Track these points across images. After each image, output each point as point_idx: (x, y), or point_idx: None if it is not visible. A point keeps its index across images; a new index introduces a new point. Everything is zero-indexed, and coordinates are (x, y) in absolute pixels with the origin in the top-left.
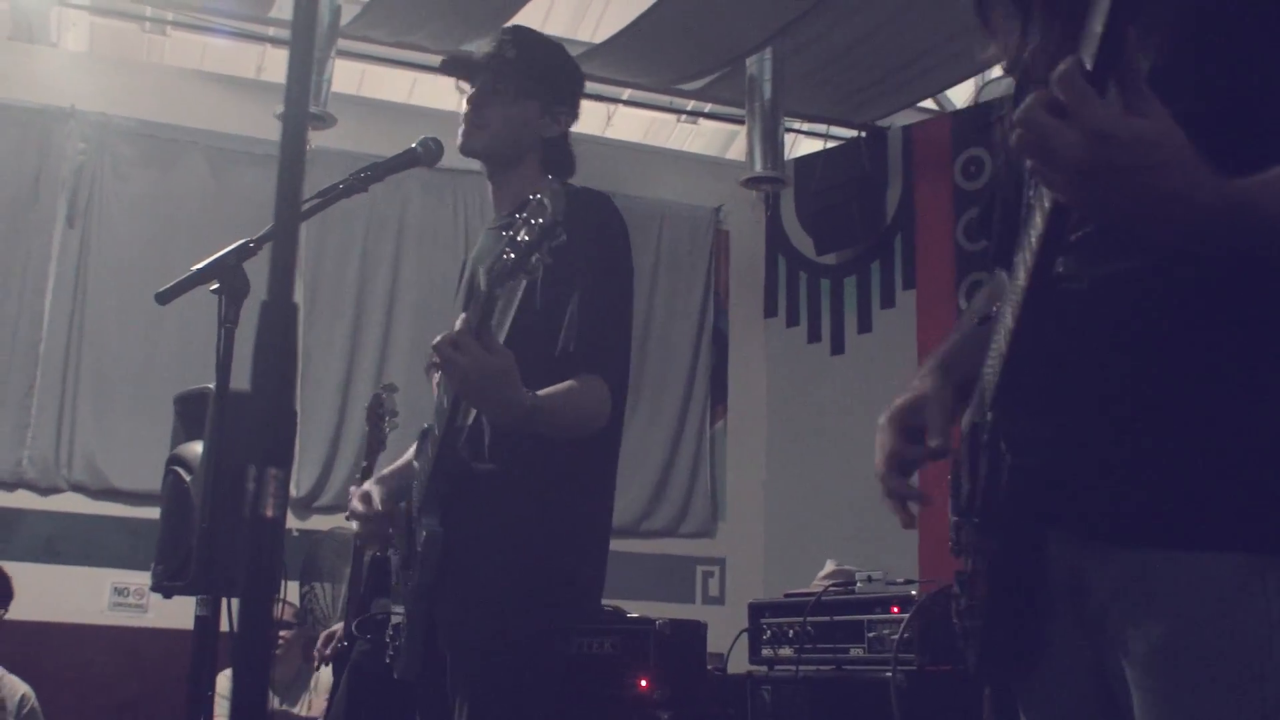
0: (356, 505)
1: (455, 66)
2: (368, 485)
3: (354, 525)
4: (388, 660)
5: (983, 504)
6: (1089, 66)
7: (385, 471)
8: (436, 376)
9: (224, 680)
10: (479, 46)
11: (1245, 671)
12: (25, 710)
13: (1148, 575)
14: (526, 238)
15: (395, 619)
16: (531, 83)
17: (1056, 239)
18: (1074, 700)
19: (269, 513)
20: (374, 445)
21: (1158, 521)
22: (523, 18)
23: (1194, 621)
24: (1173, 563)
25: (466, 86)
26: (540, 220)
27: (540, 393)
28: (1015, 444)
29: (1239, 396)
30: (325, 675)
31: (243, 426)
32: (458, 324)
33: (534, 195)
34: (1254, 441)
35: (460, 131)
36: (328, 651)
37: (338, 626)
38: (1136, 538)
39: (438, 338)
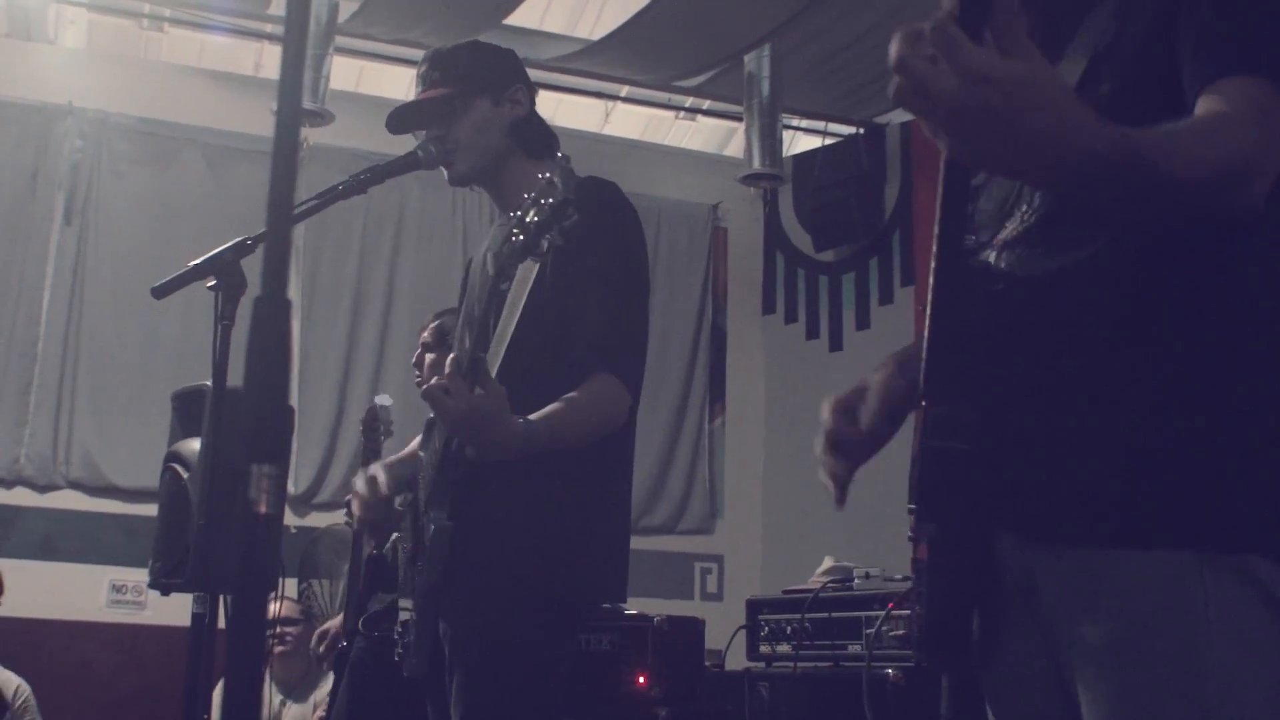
0: (360, 487)
1: (401, 120)
2: (374, 468)
3: (353, 509)
4: (396, 657)
5: (917, 490)
6: (957, 14)
7: (392, 459)
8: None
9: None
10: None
11: (1184, 670)
12: (20, 702)
13: (1092, 575)
14: (536, 218)
15: (404, 615)
16: (469, 84)
17: (954, 219)
18: (1035, 697)
19: (262, 509)
20: (369, 458)
21: (1101, 521)
22: (520, 15)
23: (1135, 621)
24: (1115, 562)
25: (422, 133)
26: (550, 200)
27: (535, 416)
28: (941, 430)
29: (1179, 396)
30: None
31: (239, 424)
32: (448, 363)
33: (542, 174)
34: (1192, 439)
35: (443, 168)
36: (321, 649)
37: (332, 622)
38: (1081, 537)
39: (430, 382)
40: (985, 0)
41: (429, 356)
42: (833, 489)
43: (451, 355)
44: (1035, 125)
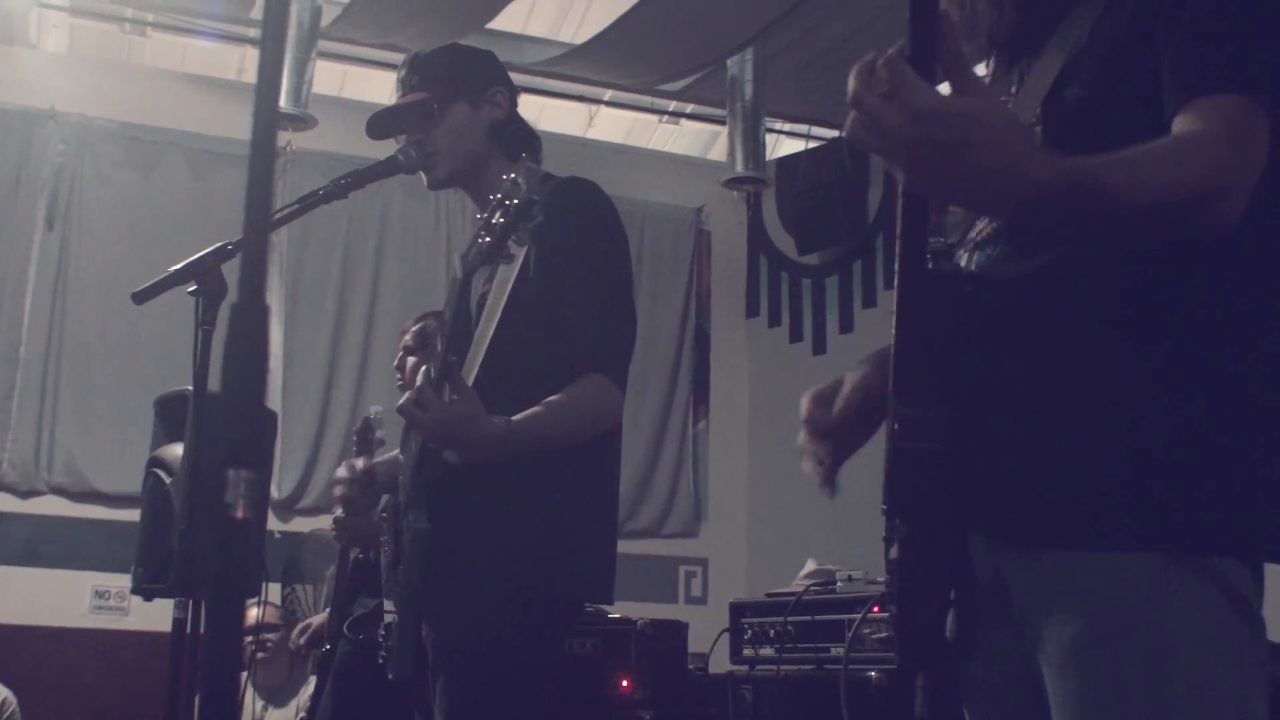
0: (342, 471)
1: (381, 125)
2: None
3: (336, 491)
4: (380, 660)
5: (889, 492)
6: (908, 51)
7: (383, 459)
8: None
9: None
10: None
11: (1151, 671)
12: (6, 714)
13: (1060, 576)
14: (501, 220)
15: (388, 618)
16: (447, 86)
17: (916, 222)
18: (1009, 698)
19: (239, 514)
20: None
21: (1069, 523)
22: (504, 19)
23: (1102, 622)
24: (1083, 563)
25: (404, 138)
26: (514, 201)
27: (517, 417)
28: (911, 432)
29: (1147, 400)
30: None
31: (221, 429)
32: (419, 377)
33: (507, 176)
34: (1160, 442)
35: (422, 173)
36: (302, 641)
37: (315, 618)
38: (1049, 539)
39: (402, 400)
40: (935, 37)
41: (410, 360)
42: (819, 479)
43: (423, 367)
44: (983, 161)
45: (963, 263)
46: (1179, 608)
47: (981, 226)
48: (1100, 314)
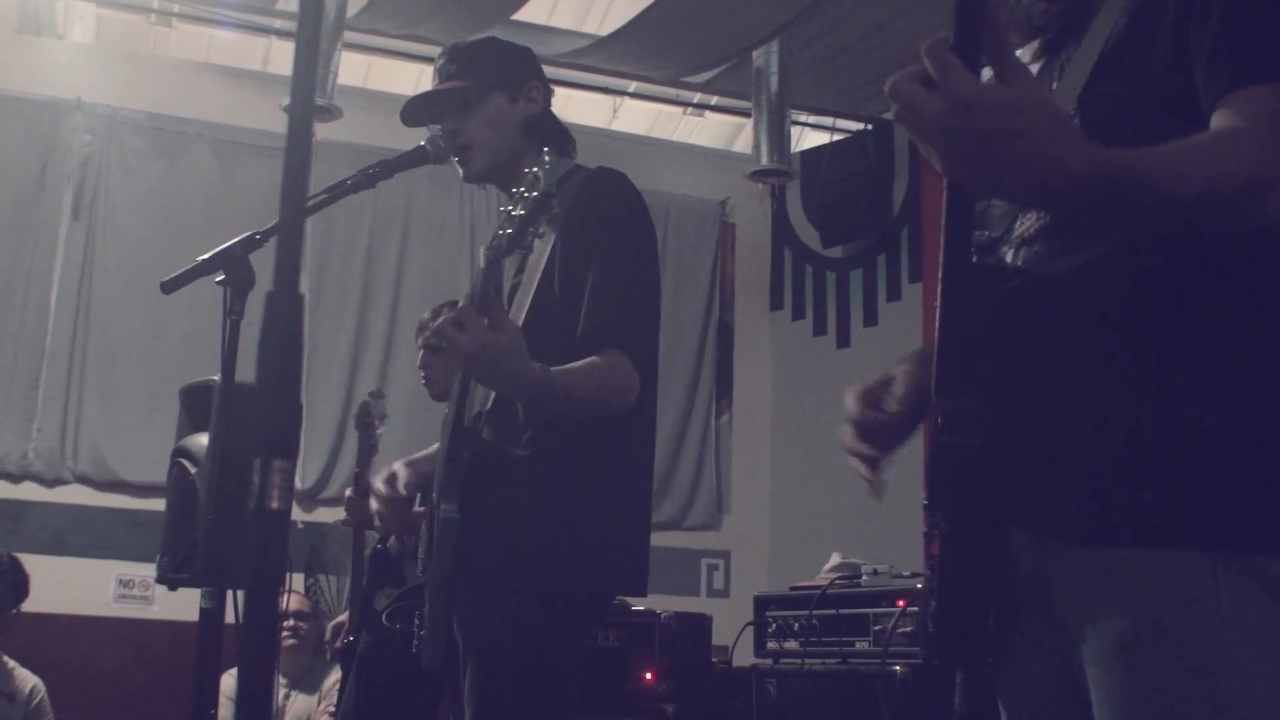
0: (380, 486)
1: (415, 112)
2: (395, 465)
3: (374, 505)
4: (414, 650)
5: (931, 487)
6: (952, 39)
7: (417, 455)
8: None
9: (228, 680)
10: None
11: (1196, 669)
12: (35, 702)
13: (1104, 574)
14: (521, 212)
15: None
16: (486, 79)
17: (960, 216)
18: (1046, 694)
19: (274, 504)
20: (365, 451)
21: (1113, 520)
22: (529, 11)
23: (1147, 620)
24: (1128, 561)
25: (437, 127)
26: (534, 193)
27: (555, 368)
28: (955, 429)
29: (1193, 396)
30: (337, 670)
31: (248, 418)
32: (462, 299)
33: (529, 169)
34: (1206, 439)
35: (457, 165)
36: (337, 644)
37: (343, 617)
38: (1094, 536)
39: (439, 319)
40: (980, 24)
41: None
42: (868, 477)
43: (466, 294)
44: (1022, 151)
45: (1008, 259)
46: (1225, 606)
47: (1028, 223)
48: (1143, 311)
